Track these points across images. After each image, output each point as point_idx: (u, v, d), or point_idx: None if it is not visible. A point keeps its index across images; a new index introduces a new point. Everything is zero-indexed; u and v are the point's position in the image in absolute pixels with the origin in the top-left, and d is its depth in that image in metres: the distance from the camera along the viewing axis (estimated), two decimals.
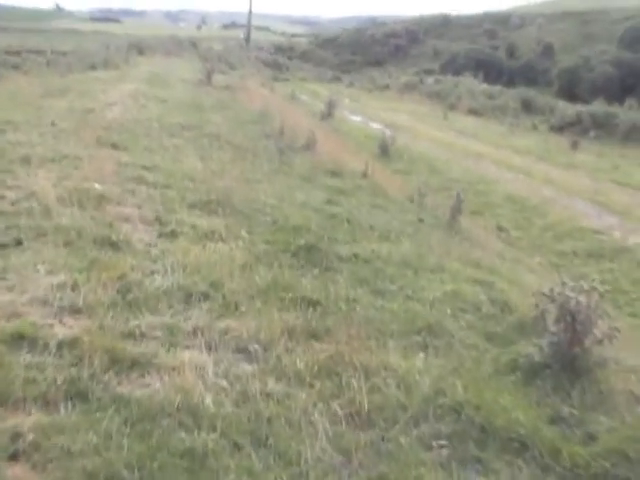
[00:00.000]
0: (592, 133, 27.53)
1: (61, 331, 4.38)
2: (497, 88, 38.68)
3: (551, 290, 4.72)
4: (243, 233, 6.90)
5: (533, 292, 5.49)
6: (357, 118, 27.62)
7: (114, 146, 10.54)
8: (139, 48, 40.74)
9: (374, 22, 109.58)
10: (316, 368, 4.28)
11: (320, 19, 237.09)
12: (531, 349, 4.77)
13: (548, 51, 57.42)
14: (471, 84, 39.84)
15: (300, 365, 4.29)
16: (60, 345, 4.18)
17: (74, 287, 5.05)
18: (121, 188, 7.95)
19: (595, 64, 51.75)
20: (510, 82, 50.06)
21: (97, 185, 7.94)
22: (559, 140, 25.48)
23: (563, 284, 4.71)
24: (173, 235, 6.54)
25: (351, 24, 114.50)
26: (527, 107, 35.25)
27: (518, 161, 20.13)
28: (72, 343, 4.21)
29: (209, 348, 4.42)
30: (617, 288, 10.11)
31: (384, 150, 18.33)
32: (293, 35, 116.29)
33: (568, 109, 31.54)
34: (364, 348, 4.61)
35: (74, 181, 7.91)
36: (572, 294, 4.56)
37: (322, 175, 11.71)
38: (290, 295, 5.42)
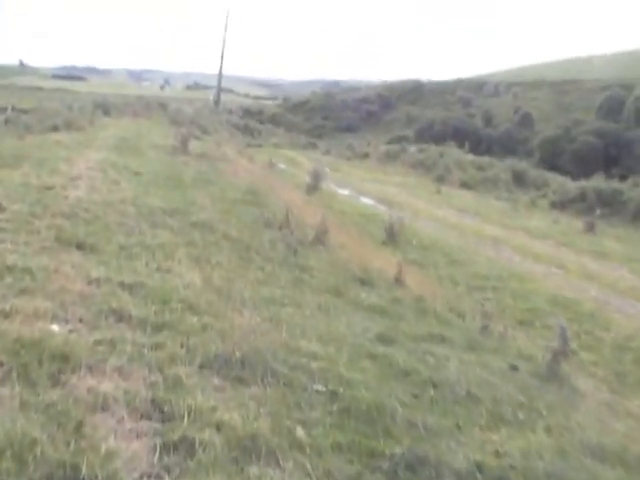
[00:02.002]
0: (598, 211, 25.27)
1: None
2: (485, 159, 36.64)
3: None
4: (299, 432, 4.18)
5: None
6: (345, 191, 25.12)
7: (80, 246, 7.73)
8: (105, 108, 37.91)
9: (338, 86, 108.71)
10: None
11: (282, 81, 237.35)
12: None
13: (526, 120, 56.04)
14: (457, 154, 37.69)
15: None
16: None
17: None
18: (93, 334, 5.16)
19: (576, 134, 50.31)
20: (488, 151, 48.37)
21: (55, 327, 5.17)
22: (570, 221, 23.22)
23: None
24: (187, 449, 3.77)
25: (313, 87, 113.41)
26: (519, 180, 33.24)
27: (540, 248, 17.68)
28: None
29: None
30: None
31: (391, 235, 15.72)
32: (257, 97, 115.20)
33: (568, 184, 29.52)
34: None
35: (19, 320, 5.12)
36: None
37: (350, 284, 9.06)
38: None
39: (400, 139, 52.24)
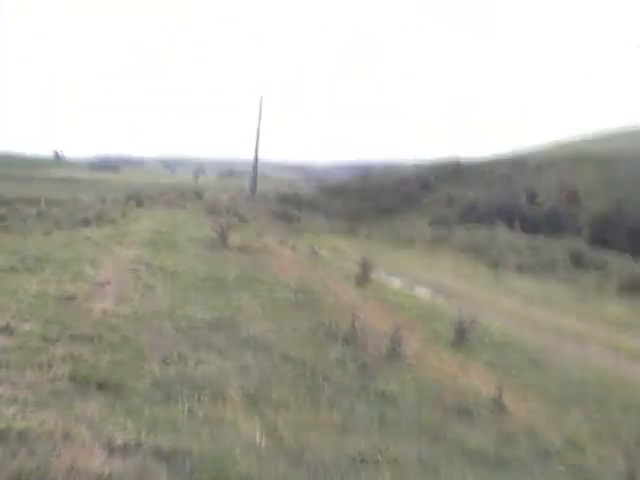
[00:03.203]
0: None
1: None
2: (540, 240, 34.65)
3: None
4: None
5: None
6: (396, 280, 23.22)
7: (102, 386, 5.94)
8: (138, 198, 36.74)
9: (371, 168, 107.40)
10: None
11: (314, 165, 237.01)
12: None
13: (573, 197, 54.00)
14: (509, 236, 35.74)
15: None
16: None
17: None
18: None
19: (628, 210, 48.18)
20: (535, 230, 46.24)
21: None
22: None
23: None
24: None
25: (347, 169, 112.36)
26: (577, 261, 31.16)
27: (628, 342, 15.59)
28: None
29: None
30: None
31: (461, 334, 13.74)
32: (291, 182, 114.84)
33: (633, 264, 27.51)
34: None
35: None
36: None
37: (446, 417, 7.13)
38: None
39: (443, 220, 50.49)
